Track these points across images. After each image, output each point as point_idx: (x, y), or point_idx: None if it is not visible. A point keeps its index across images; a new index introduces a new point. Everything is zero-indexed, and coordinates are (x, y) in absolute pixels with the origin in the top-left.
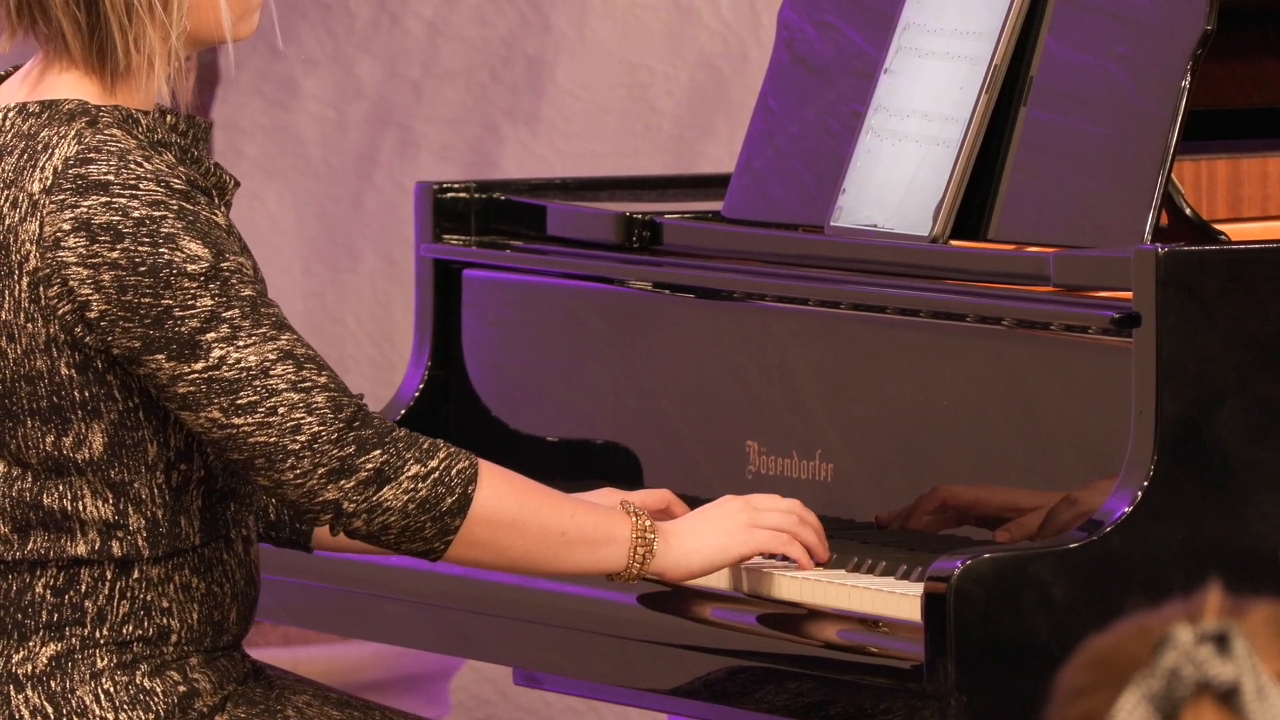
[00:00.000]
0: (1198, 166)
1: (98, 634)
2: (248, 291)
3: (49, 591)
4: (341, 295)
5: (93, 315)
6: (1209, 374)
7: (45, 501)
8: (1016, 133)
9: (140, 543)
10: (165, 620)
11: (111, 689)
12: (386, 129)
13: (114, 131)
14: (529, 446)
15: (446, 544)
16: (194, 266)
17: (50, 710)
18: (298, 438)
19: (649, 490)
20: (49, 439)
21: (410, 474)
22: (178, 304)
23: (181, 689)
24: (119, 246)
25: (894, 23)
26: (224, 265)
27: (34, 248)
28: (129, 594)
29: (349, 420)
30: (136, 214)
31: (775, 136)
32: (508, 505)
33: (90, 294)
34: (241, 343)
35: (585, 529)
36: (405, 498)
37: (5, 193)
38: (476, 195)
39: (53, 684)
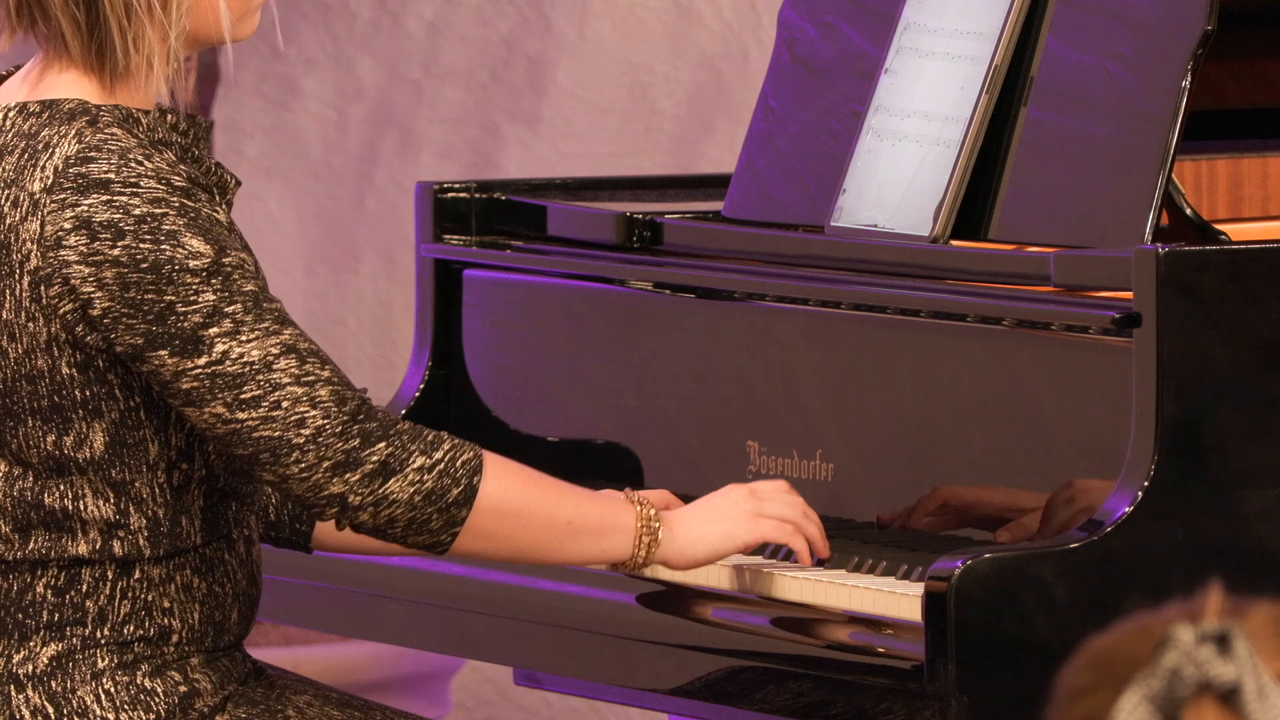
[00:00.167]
0: (1198, 166)
1: (99, 634)
2: (250, 287)
3: (50, 591)
4: (342, 295)
5: (95, 313)
6: (1209, 374)
7: (46, 501)
8: (1017, 133)
9: (141, 542)
10: (166, 620)
11: (112, 689)
12: (387, 129)
13: (114, 130)
14: (529, 447)
15: (453, 536)
16: (196, 262)
17: (51, 710)
18: (302, 431)
19: (649, 491)
20: (50, 438)
21: (415, 466)
22: (180, 300)
23: (182, 689)
24: (120, 244)
25: (894, 23)
26: (226, 261)
27: (35, 247)
28: (130, 594)
29: (353, 413)
30: (138, 211)
31: (776, 137)
32: (513, 496)
33: (92, 292)
34: (244, 337)
35: (591, 518)
36: (411, 490)
37: (6, 192)
38: (477, 195)
39: (53, 684)
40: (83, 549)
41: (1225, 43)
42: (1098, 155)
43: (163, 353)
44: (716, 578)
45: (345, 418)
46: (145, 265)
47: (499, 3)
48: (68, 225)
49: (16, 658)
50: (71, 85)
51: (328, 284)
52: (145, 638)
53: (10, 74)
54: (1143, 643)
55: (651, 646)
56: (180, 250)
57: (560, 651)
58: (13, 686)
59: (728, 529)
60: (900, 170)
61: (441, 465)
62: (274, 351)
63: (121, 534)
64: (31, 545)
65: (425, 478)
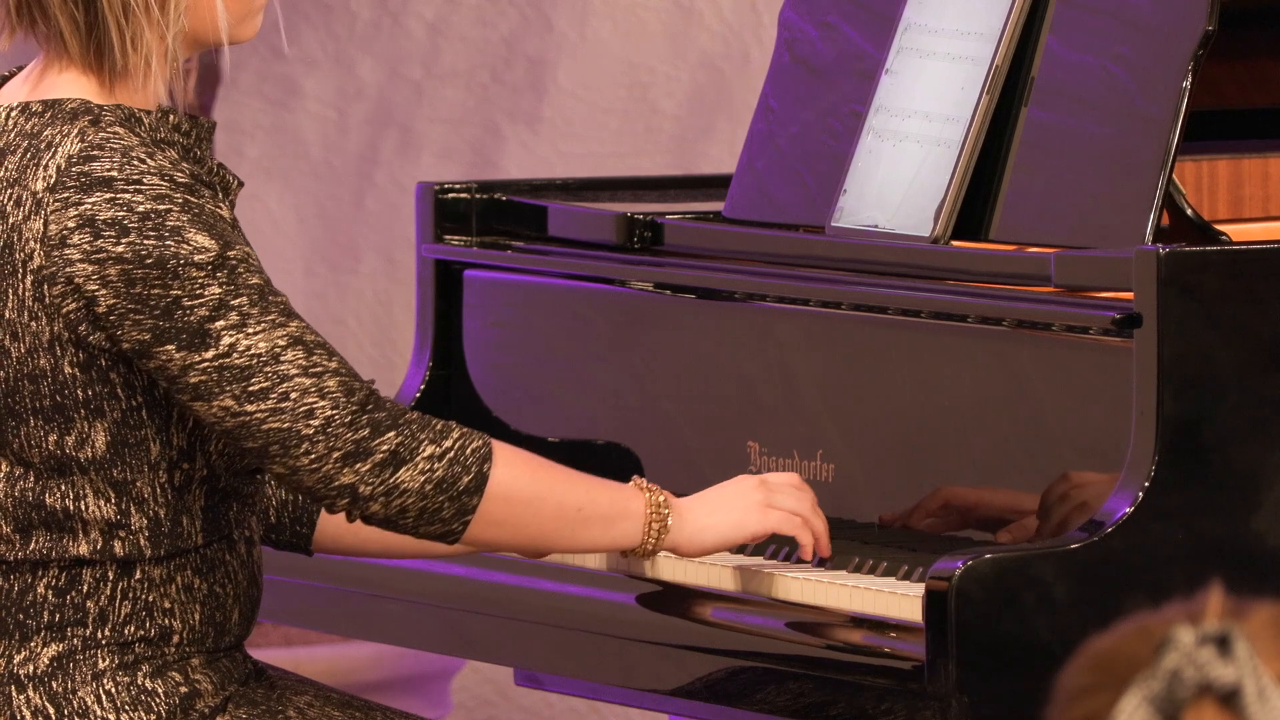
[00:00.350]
0: (1199, 167)
1: (99, 634)
2: (255, 280)
3: (51, 592)
4: (342, 296)
5: (100, 310)
6: (1210, 374)
7: (48, 501)
8: (1018, 133)
9: (142, 542)
10: (167, 621)
11: (113, 689)
12: (388, 129)
13: (117, 129)
14: (530, 447)
15: (464, 525)
16: (201, 256)
17: (52, 711)
18: (311, 422)
19: None
20: (52, 438)
21: (426, 454)
22: (186, 293)
23: (183, 690)
24: (125, 241)
25: (895, 23)
26: (231, 254)
27: (38, 246)
28: (131, 594)
29: (362, 403)
30: (141, 208)
31: (776, 137)
32: (523, 483)
33: (97, 289)
34: (251, 330)
35: (600, 505)
36: (422, 478)
37: (9, 191)
38: (478, 196)
39: (54, 684)
40: (84, 549)
41: (1226, 43)
42: (1098, 156)
43: (170, 347)
44: (717, 578)
45: (354, 408)
46: (150, 261)
47: (499, 3)
48: (71, 224)
49: (17, 658)
50: (72, 85)
51: (328, 284)
52: (146, 638)
53: (12, 75)
54: (1143, 643)
55: (652, 647)
56: (185, 246)
57: (561, 652)
58: (14, 687)
59: (737, 518)
60: (901, 171)
61: (451, 453)
62: (281, 343)
63: (122, 534)
64: (32, 545)
65: (436, 466)
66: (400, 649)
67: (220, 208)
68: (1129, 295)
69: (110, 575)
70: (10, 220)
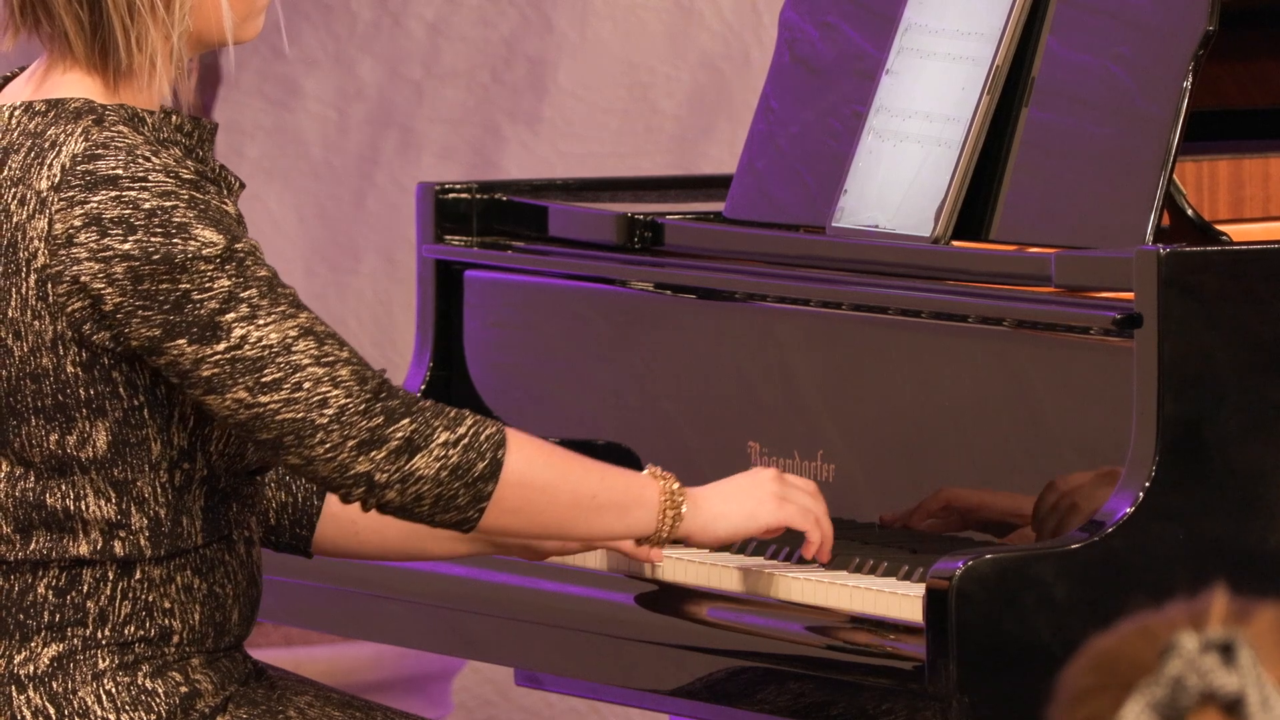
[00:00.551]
0: (1199, 167)
1: (99, 634)
2: (263, 272)
3: (51, 592)
4: (343, 296)
5: (107, 309)
6: (1211, 375)
7: (48, 501)
8: (1018, 133)
9: (143, 542)
10: (167, 621)
11: (113, 689)
12: (388, 130)
13: (121, 128)
14: None
15: (480, 512)
16: (209, 250)
17: (52, 711)
18: (325, 411)
19: None
20: (53, 437)
21: (440, 441)
22: (196, 287)
23: (183, 690)
24: (131, 239)
25: (895, 23)
26: (238, 247)
27: (42, 245)
28: (131, 594)
29: (375, 391)
30: (147, 206)
31: (777, 137)
32: (538, 469)
33: (103, 288)
34: (262, 321)
35: (615, 492)
36: (437, 465)
37: (13, 190)
38: (478, 196)
39: (54, 684)
40: (84, 549)
41: (1226, 43)
42: (1099, 156)
43: (181, 341)
44: (718, 578)
45: (368, 395)
46: (157, 258)
47: (500, 3)
48: (78, 223)
49: (18, 658)
50: (76, 85)
51: (328, 284)
52: (146, 638)
53: (15, 75)
54: (1146, 645)
55: (652, 647)
56: (193, 241)
57: (561, 652)
58: (14, 687)
59: (752, 508)
60: (901, 171)
61: (466, 440)
62: (292, 334)
63: (123, 534)
64: (33, 546)
65: (450, 453)
66: (401, 649)
67: (226, 203)
68: (1129, 295)
69: (110, 575)
70: (14, 219)
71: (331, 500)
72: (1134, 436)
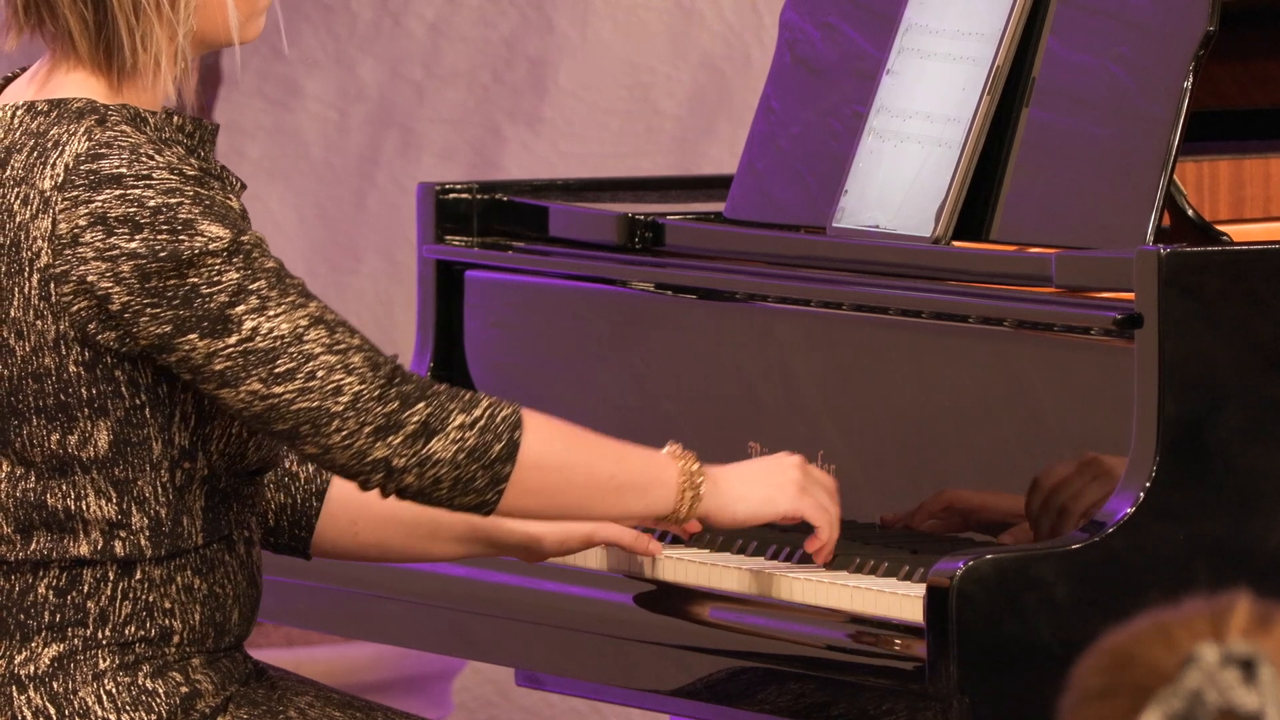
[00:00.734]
0: (1200, 167)
1: (100, 635)
2: (270, 263)
3: (51, 592)
4: (343, 296)
5: (115, 308)
6: (1211, 375)
7: (49, 501)
8: (1018, 134)
9: (143, 542)
10: (167, 621)
11: (114, 690)
12: (388, 130)
13: (124, 128)
14: None
15: (499, 494)
16: (216, 244)
17: (52, 711)
18: (340, 399)
19: None
20: (54, 437)
21: (456, 424)
22: (204, 281)
23: (184, 690)
24: (138, 237)
25: (896, 24)
26: (244, 239)
27: (46, 245)
28: (131, 595)
29: (389, 377)
30: (152, 203)
31: (777, 137)
32: (555, 449)
33: (110, 287)
34: (272, 312)
35: (633, 472)
36: (454, 448)
37: (16, 190)
38: (478, 196)
39: (55, 685)
40: (84, 549)
41: (1227, 43)
42: (1099, 156)
43: (192, 336)
44: (718, 578)
45: (382, 381)
46: (164, 255)
47: (500, 3)
48: (83, 222)
49: (18, 658)
50: (79, 85)
51: (329, 284)
52: (146, 638)
53: (17, 75)
54: (1162, 647)
55: (653, 647)
56: (199, 238)
57: (561, 652)
58: (14, 687)
59: (772, 494)
60: (902, 171)
61: (482, 421)
62: (303, 324)
63: (123, 534)
64: (33, 546)
65: (467, 435)
66: (401, 649)
67: (230, 199)
68: (1130, 296)
69: (111, 575)
70: (17, 219)
71: (330, 502)
72: (1135, 437)
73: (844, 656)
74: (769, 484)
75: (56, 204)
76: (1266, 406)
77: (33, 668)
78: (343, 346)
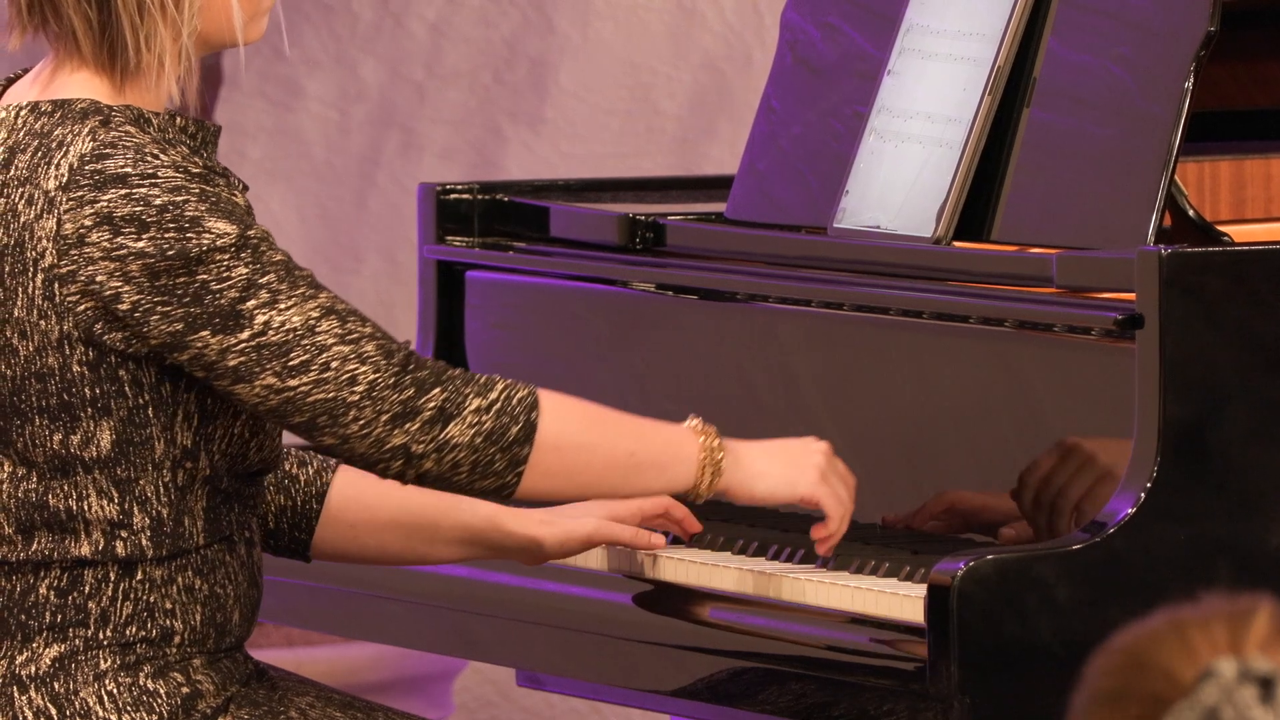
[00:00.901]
0: (1201, 168)
1: (101, 635)
2: (279, 256)
3: (52, 593)
4: (344, 296)
5: (124, 308)
6: (1212, 375)
7: (50, 502)
8: (1019, 134)
9: (144, 542)
10: (168, 622)
11: (115, 690)
12: (389, 130)
13: (128, 129)
14: None
15: (518, 476)
16: (224, 241)
17: (54, 711)
18: (355, 389)
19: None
20: (57, 437)
21: (472, 408)
22: (214, 277)
23: (184, 690)
24: (145, 236)
25: (897, 24)
26: (251, 234)
27: (51, 245)
28: (132, 595)
29: (403, 364)
30: (158, 202)
31: (779, 138)
32: (573, 429)
33: (120, 286)
34: (283, 305)
35: (653, 449)
36: (471, 432)
37: (20, 190)
38: (479, 197)
39: (56, 685)
40: (85, 550)
41: (1228, 44)
42: (1100, 156)
43: (205, 333)
44: (719, 578)
45: (396, 369)
46: (172, 254)
47: (501, 4)
48: (89, 222)
49: (19, 659)
50: (83, 85)
51: (330, 285)
52: (147, 639)
53: (19, 76)
54: (1177, 652)
55: (653, 648)
56: (206, 235)
57: (562, 652)
58: (15, 688)
59: (793, 474)
60: (903, 171)
61: (498, 404)
62: (314, 315)
63: (124, 534)
64: (35, 546)
65: (484, 418)
66: (402, 650)
67: (235, 195)
68: (1131, 296)
69: (112, 576)
70: (21, 219)
71: (330, 504)
72: (1136, 437)
73: (844, 657)
74: (791, 465)
75: (61, 204)
76: (1268, 407)
77: (34, 668)
78: (355, 336)
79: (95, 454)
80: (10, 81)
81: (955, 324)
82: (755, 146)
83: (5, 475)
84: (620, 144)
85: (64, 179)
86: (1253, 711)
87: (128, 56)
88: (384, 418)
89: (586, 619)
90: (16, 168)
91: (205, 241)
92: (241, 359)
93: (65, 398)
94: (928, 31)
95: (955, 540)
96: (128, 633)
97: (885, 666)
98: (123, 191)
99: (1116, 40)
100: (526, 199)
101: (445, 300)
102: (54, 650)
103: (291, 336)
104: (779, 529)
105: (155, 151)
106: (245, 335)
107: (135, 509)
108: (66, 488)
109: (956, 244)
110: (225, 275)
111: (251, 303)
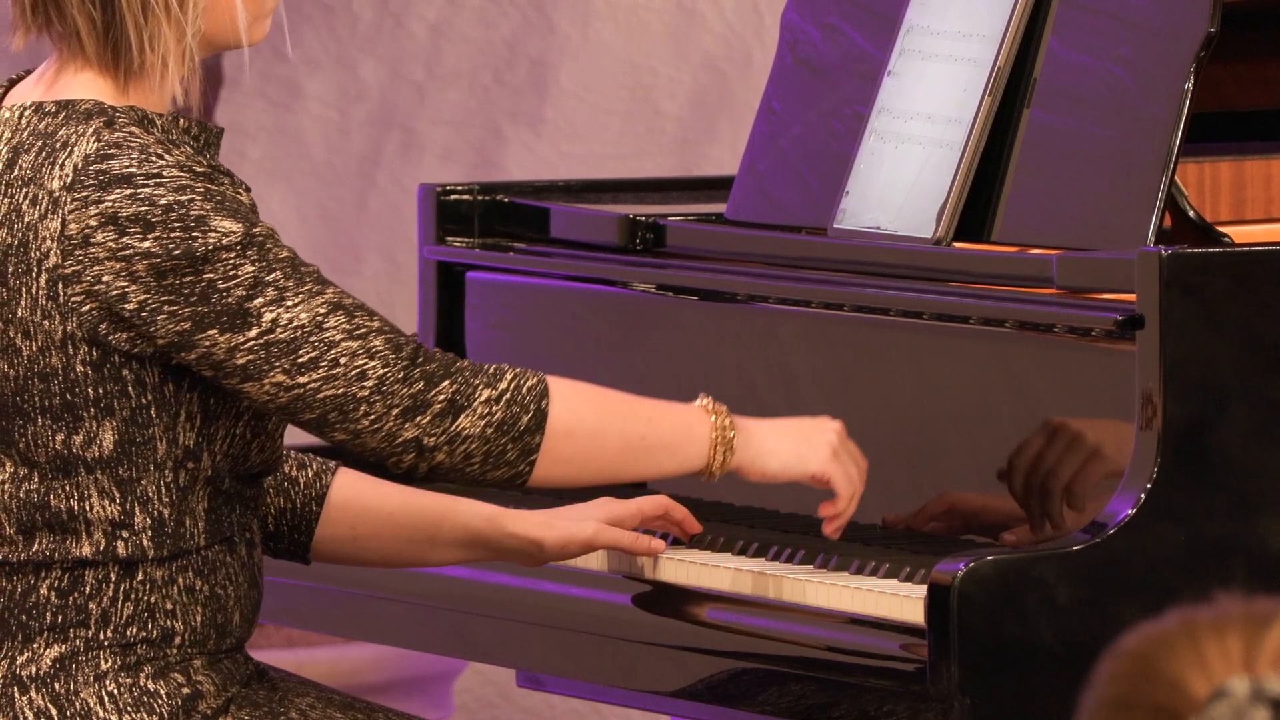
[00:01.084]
0: (1201, 168)
1: (102, 636)
2: (284, 253)
3: (53, 593)
4: None
5: (130, 308)
6: (1213, 376)
7: (52, 502)
8: (1019, 135)
9: (145, 543)
10: (169, 622)
11: (115, 691)
12: (390, 131)
13: (132, 129)
14: None
15: (531, 465)
16: (229, 239)
17: (54, 712)
18: (364, 384)
19: (646, 497)
20: (59, 437)
21: (483, 399)
22: (220, 276)
23: (185, 691)
24: (151, 235)
25: (897, 25)
26: (256, 232)
27: (55, 245)
28: (133, 596)
29: (411, 357)
30: (163, 201)
31: (779, 138)
32: (584, 415)
33: (126, 286)
34: (290, 302)
35: (665, 431)
36: (482, 423)
37: (24, 190)
38: (480, 197)
39: (57, 686)
40: (86, 550)
41: (1228, 44)
42: (1100, 157)
43: (212, 332)
44: (718, 579)
45: (405, 362)
46: (178, 253)
47: (501, 4)
48: (94, 222)
49: (20, 659)
50: (87, 86)
51: None
52: (148, 640)
53: (23, 77)
54: (1188, 663)
55: (653, 648)
56: (212, 234)
57: (562, 653)
58: (16, 688)
59: (804, 451)
60: (903, 172)
61: (508, 394)
62: (321, 311)
63: (126, 534)
64: (36, 547)
65: (494, 409)
66: (402, 650)
67: (240, 194)
68: (1131, 297)
69: (113, 576)
70: (26, 219)
71: (330, 507)
72: (1136, 438)
73: (845, 658)
74: (803, 442)
75: (66, 204)
76: (1268, 407)
77: (34, 669)
78: (363, 331)
79: (97, 454)
80: (14, 82)
81: (955, 325)
82: (755, 147)
83: (7, 475)
84: (620, 144)
85: (68, 179)
86: None
87: (131, 57)
88: (395, 412)
89: (586, 619)
90: (21, 168)
91: (211, 240)
92: (250, 357)
93: (68, 398)
94: (928, 32)
95: (955, 541)
96: (128, 633)
97: (885, 667)
98: (128, 191)
99: (1117, 41)
100: (527, 200)
101: (445, 301)
102: (54, 651)
103: (300, 333)
104: (779, 529)
105: (160, 151)
106: (253, 333)
107: (137, 509)
108: (68, 488)
109: (957, 245)
110: (232, 274)
111: (259, 300)
